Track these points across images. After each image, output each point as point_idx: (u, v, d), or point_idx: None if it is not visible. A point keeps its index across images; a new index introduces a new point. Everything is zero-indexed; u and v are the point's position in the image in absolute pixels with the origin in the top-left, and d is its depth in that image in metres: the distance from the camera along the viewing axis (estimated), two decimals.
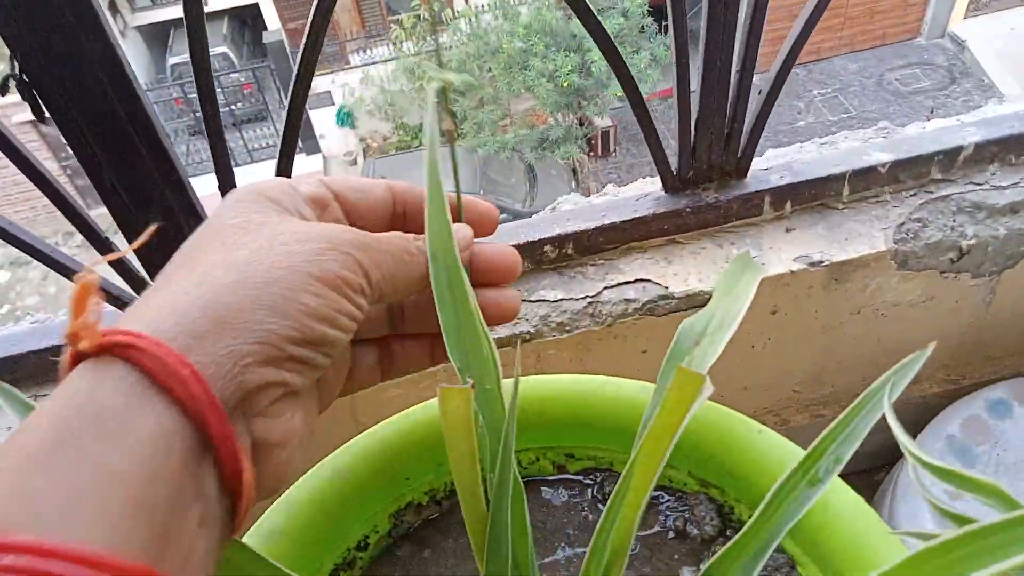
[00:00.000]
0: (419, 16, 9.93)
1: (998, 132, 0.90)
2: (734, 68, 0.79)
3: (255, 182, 0.39)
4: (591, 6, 0.70)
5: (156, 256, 0.76)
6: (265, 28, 10.57)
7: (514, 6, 9.29)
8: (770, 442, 0.49)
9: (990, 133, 0.90)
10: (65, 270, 0.73)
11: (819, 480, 0.39)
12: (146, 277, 0.78)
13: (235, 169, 0.75)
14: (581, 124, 9.96)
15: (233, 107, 9.97)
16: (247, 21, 11.46)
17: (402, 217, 0.44)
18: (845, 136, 1.01)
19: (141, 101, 0.65)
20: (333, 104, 10.31)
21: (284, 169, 0.74)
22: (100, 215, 0.67)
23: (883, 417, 0.39)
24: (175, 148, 0.70)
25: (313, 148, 10.27)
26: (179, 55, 10.24)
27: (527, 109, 10.11)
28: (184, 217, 0.72)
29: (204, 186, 0.82)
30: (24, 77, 0.62)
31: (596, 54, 8.37)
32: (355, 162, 10.18)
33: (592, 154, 10.32)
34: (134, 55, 10.72)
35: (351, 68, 10.48)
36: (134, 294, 0.79)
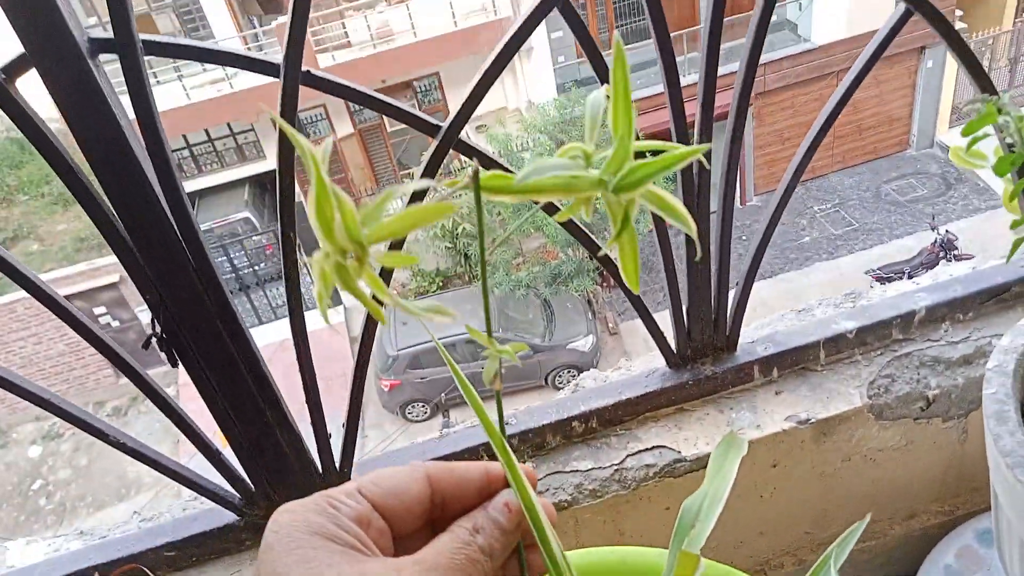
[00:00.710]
0: None
1: (944, 296, 1.07)
2: (712, 269, 0.98)
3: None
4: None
5: (254, 462, 0.92)
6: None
7: (517, 154, 9.91)
8: None
9: (938, 297, 1.07)
10: (104, 436, 0.88)
11: None
12: (244, 477, 0.94)
13: (260, 327, 0.90)
14: (592, 258, 10.35)
15: (256, 267, 10.47)
16: (267, 186, 12.20)
17: (440, 507, 0.46)
18: (819, 303, 1.18)
19: (249, 342, 0.84)
20: None
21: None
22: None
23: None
24: None
25: (335, 300, 10.64)
26: (204, 223, 10.86)
27: (538, 247, 10.54)
28: (279, 429, 0.89)
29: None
30: (164, 334, 0.82)
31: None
32: None
33: (605, 285, 10.63)
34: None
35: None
36: (234, 492, 0.94)
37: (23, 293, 0.83)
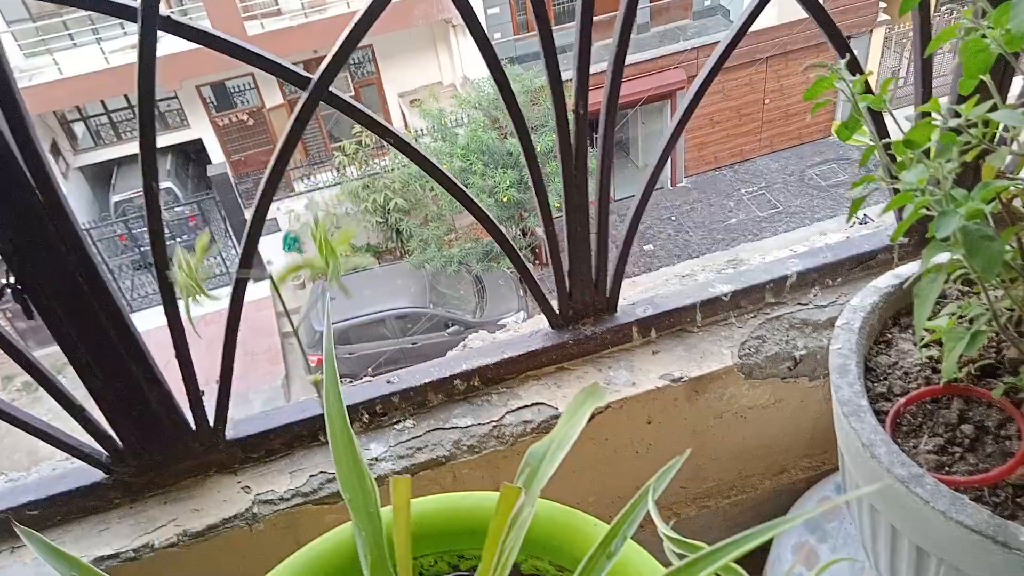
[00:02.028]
0: (360, 142, 10.41)
1: (814, 262, 1.12)
2: (592, 233, 1.00)
3: None
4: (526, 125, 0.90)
5: (122, 419, 0.90)
6: (209, 162, 10.90)
7: (451, 129, 9.83)
8: (599, 530, 0.65)
9: (808, 263, 1.12)
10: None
11: (613, 553, 0.55)
12: (112, 434, 0.91)
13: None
14: (524, 235, 10.39)
15: (179, 239, 10.13)
16: (191, 156, 11.80)
17: None
18: (703, 268, 1.22)
19: (111, 295, 0.82)
20: (279, 230, 10.55)
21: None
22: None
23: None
24: (119, 283, 0.85)
25: (260, 276, 10.40)
26: (122, 192, 10.45)
27: (470, 224, 10.51)
28: (146, 385, 0.88)
29: (150, 320, 0.96)
30: (19, 285, 0.79)
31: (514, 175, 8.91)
32: (303, 286, 10.34)
33: (537, 262, 10.70)
34: (77, 195, 10.90)
35: (296, 195, 10.80)
36: (102, 449, 0.92)
37: None
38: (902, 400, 0.81)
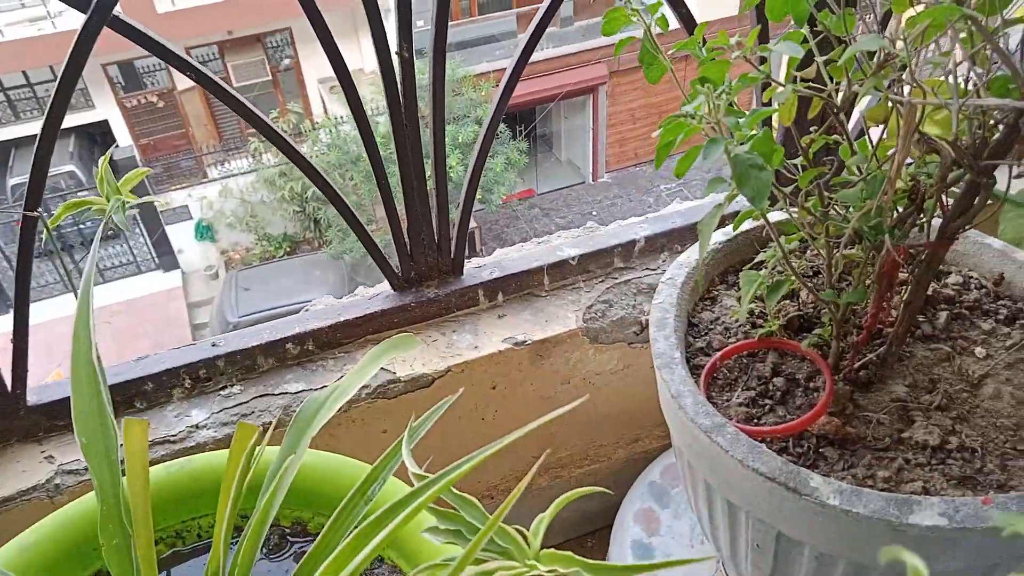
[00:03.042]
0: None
1: (663, 227, 1.11)
2: (431, 190, 0.96)
3: None
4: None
5: None
6: (116, 145, 10.41)
7: (372, 117, 9.65)
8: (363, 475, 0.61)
9: (657, 228, 1.11)
10: None
11: (370, 498, 0.52)
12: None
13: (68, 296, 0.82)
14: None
15: (81, 226, 9.64)
16: (96, 138, 11.25)
17: None
18: (559, 235, 1.20)
19: None
20: (191, 218, 10.17)
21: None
22: None
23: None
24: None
25: (171, 264, 10.02)
26: (19, 176, 9.89)
27: None
28: None
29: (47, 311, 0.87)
30: None
31: (454, 159, 8.81)
32: (216, 275, 10.00)
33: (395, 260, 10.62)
34: None
35: (209, 181, 10.43)
36: None
37: None
38: (718, 354, 0.80)
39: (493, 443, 0.48)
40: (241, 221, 10.04)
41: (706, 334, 0.84)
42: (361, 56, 11.62)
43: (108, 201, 0.76)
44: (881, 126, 0.70)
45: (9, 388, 0.88)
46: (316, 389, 0.97)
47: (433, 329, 1.05)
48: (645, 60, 0.65)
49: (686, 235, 1.12)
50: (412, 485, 0.50)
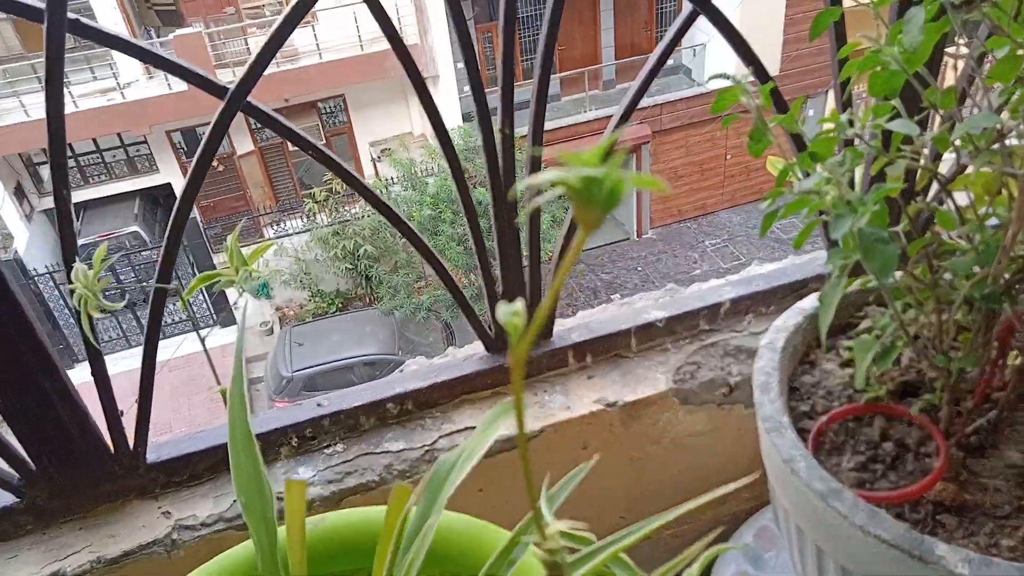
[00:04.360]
0: (331, 189, 10.43)
1: (748, 290, 1.13)
2: (525, 256, 1.00)
3: None
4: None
5: (34, 439, 0.87)
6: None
7: (421, 178, 9.90)
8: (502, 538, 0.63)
9: (742, 291, 1.13)
10: None
11: (514, 561, 0.54)
12: (24, 455, 0.88)
13: (138, 349, 0.87)
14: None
15: (144, 283, 9.98)
16: (159, 200, 11.73)
17: None
18: (640, 297, 1.22)
19: (19, 303, 0.79)
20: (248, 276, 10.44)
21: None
22: None
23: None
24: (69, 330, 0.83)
25: (228, 320, 10.27)
26: (88, 236, 10.31)
27: None
28: (59, 402, 0.85)
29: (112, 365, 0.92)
30: None
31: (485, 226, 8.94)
32: (271, 331, 10.21)
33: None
34: (41, 238, 10.75)
35: (265, 241, 10.73)
36: (13, 471, 0.89)
37: None
38: (824, 418, 0.81)
39: (662, 514, 0.50)
40: (295, 278, 10.29)
41: (808, 398, 0.85)
42: (411, 121, 12.00)
43: (237, 272, 0.81)
44: (964, 189, 0.72)
45: (131, 446, 0.93)
46: (416, 448, 1.00)
47: (525, 390, 1.07)
48: (755, 136, 0.68)
49: (770, 297, 1.14)
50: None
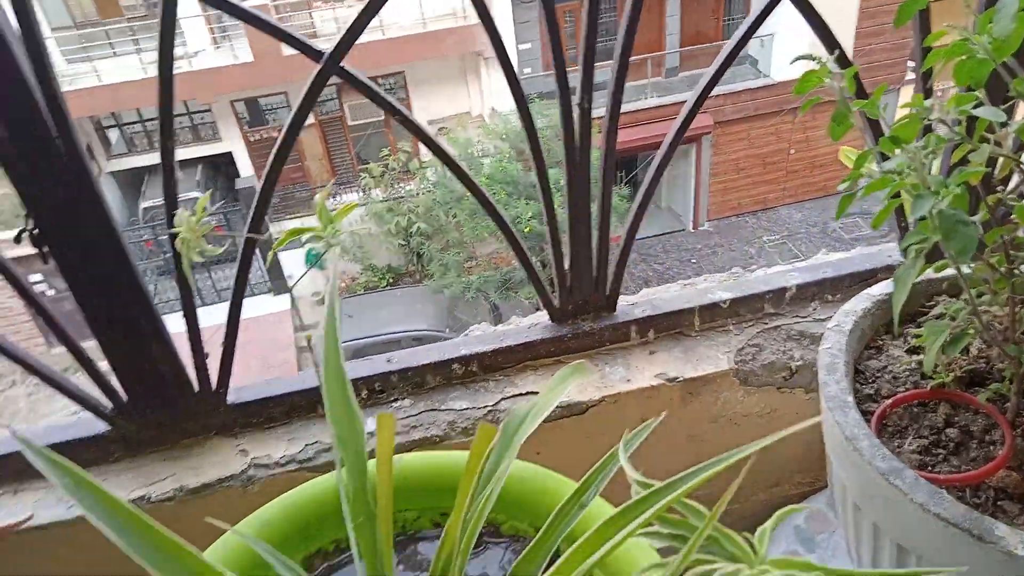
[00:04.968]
0: (387, 165, 10.56)
1: (814, 276, 1.13)
2: (594, 233, 1.02)
3: None
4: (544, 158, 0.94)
5: (128, 374, 0.93)
6: (238, 175, 11.11)
7: (477, 158, 9.95)
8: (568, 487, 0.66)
9: (808, 277, 1.13)
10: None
11: (584, 504, 0.57)
12: (118, 387, 0.94)
13: (203, 308, 0.93)
14: (544, 266, 10.44)
15: (236, 234, 10.27)
16: (220, 168, 12.02)
17: None
18: (704, 279, 1.24)
19: (124, 248, 0.85)
20: (303, 246, 10.68)
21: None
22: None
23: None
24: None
25: (282, 288, 10.51)
26: (151, 199, 10.65)
27: (491, 252, 10.57)
28: (153, 342, 0.91)
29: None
30: (35, 230, 0.82)
31: (556, 201, 8.94)
32: (323, 301, 10.42)
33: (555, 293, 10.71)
34: (108, 199, 11.12)
35: (349, 203, 10.93)
36: (107, 402, 0.95)
37: None
38: (888, 402, 0.82)
39: (717, 459, 0.53)
40: (348, 251, 10.46)
41: (873, 381, 0.86)
42: (469, 100, 12.04)
43: (324, 229, 0.86)
44: None
45: (214, 387, 0.98)
46: (479, 408, 1.04)
47: (587, 360, 1.10)
48: (837, 119, 0.69)
49: (837, 285, 1.14)
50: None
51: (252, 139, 11.63)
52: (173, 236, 0.82)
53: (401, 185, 10.71)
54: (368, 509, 0.56)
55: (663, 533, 0.52)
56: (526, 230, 9.29)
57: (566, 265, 1.04)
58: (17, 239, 0.82)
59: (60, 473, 0.48)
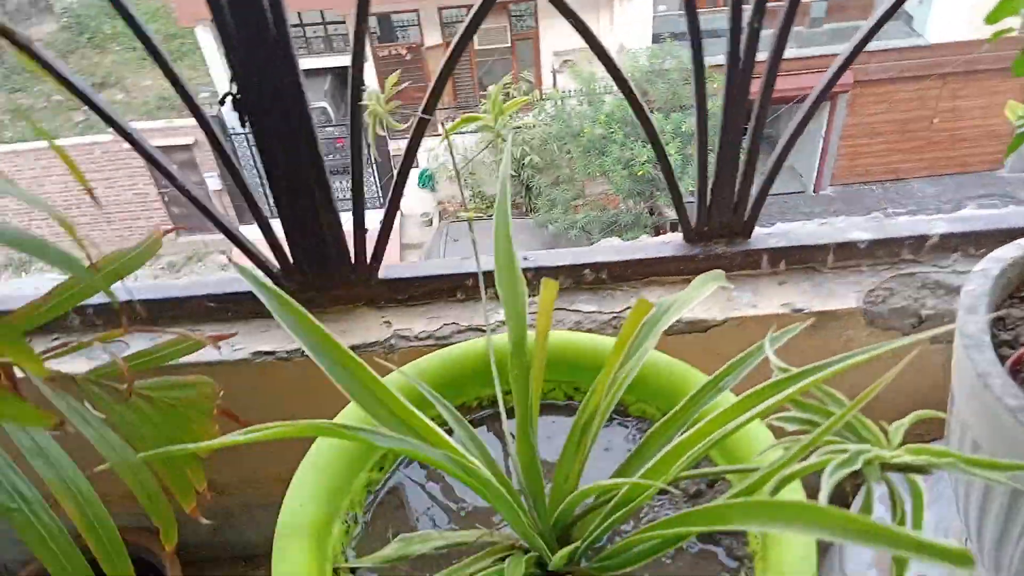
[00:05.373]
0: (508, 94, 10.54)
1: (962, 227, 1.11)
2: (742, 158, 1.04)
3: None
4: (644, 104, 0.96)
5: (297, 237, 1.03)
6: (364, 89, 11.37)
7: (599, 94, 9.80)
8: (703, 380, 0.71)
9: (955, 227, 1.11)
10: (172, 179, 1.01)
11: (721, 390, 0.61)
12: (286, 249, 1.05)
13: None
14: (651, 213, 10.28)
15: (326, 159, 10.67)
16: (347, 80, 12.31)
17: None
18: (843, 219, 1.23)
19: (310, 121, 0.94)
20: (417, 166, 10.92)
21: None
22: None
23: None
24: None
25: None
26: (315, 102, 11.09)
27: (600, 192, 10.50)
28: (323, 211, 1.00)
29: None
30: (238, 95, 0.92)
31: (673, 147, 8.75)
32: (430, 223, 10.70)
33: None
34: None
35: (438, 135, 11.10)
36: (275, 261, 1.06)
37: (100, 137, 0.94)
38: None
39: (856, 351, 0.56)
40: (461, 176, 10.63)
41: (1013, 328, 0.85)
42: (598, 35, 11.77)
43: (495, 120, 0.91)
44: None
45: (368, 261, 1.07)
46: (605, 313, 1.09)
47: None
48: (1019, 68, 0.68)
49: (984, 240, 1.11)
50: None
51: (380, 55, 11.84)
52: (355, 111, 0.90)
53: (519, 115, 10.72)
54: (524, 363, 0.63)
55: (799, 418, 0.56)
56: (639, 173, 9.16)
57: (709, 186, 1.07)
58: (221, 101, 0.91)
59: (284, 312, 0.60)
